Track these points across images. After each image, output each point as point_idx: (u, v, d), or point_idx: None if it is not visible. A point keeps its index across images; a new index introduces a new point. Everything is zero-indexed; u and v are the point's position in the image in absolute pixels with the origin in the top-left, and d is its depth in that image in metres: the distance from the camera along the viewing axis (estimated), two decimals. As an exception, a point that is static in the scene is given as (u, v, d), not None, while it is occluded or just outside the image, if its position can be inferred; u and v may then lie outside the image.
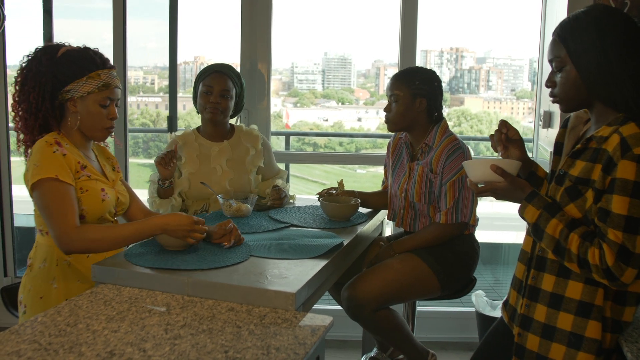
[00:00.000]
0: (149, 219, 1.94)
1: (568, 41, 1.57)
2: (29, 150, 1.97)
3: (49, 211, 1.85)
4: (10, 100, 3.59)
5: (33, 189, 1.88)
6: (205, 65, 2.81)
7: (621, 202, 1.44)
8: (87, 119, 2.01)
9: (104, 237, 1.86)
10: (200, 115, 2.78)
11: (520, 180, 1.64)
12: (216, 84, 2.67)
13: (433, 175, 2.44)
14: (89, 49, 2.03)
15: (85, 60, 1.98)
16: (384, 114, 2.55)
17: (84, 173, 1.97)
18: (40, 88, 1.95)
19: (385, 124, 2.56)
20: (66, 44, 2.04)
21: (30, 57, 2.00)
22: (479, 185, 1.68)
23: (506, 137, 1.77)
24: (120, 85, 2.07)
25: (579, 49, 1.55)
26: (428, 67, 2.57)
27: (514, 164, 1.66)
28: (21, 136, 2.04)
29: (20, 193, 3.68)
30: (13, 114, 2.05)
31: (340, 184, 2.65)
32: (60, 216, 1.84)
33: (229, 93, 2.70)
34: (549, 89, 1.67)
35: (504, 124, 1.78)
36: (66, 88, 1.97)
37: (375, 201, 2.74)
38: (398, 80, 2.49)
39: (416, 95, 2.45)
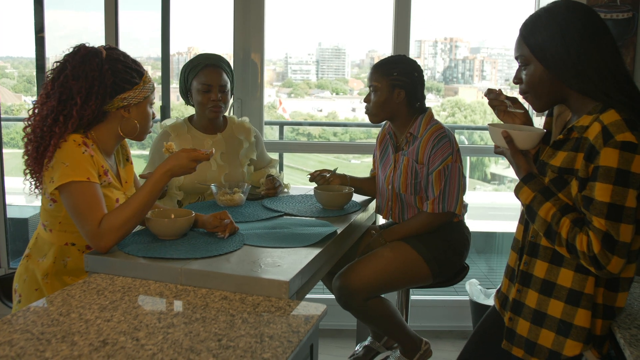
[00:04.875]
0: (152, 176, 1.90)
1: (530, 39, 1.60)
2: (55, 149, 1.87)
3: (78, 212, 1.82)
4: (2, 92, 3.57)
5: (61, 188, 1.83)
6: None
7: (604, 190, 1.44)
8: (144, 123, 2.00)
9: (127, 217, 1.82)
10: (195, 108, 2.71)
11: (520, 159, 1.64)
12: (214, 81, 2.60)
13: (419, 166, 2.43)
14: (116, 49, 1.98)
15: (134, 63, 1.96)
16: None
17: (105, 178, 1.95)
18: (104, 91, 1.91)
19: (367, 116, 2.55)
20: (95, 45, 1.97)
21: (86, 58, 1.90)
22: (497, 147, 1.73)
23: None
24: None
25: (542, 45, 1.58)
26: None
27: (527, 137, 1.64)
28: (36, 134, 1.94)
29: (12, 185, 3.68)
30: (52, 112, 1.91)
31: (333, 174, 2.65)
32: (89, 216, 1.81)
33: (226, 87, 2.65)
34: (517, 86, 1.71)
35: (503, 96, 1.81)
36: (122, 95, 1.93)
37: (365, 187, 2.75)
38: (377, 71, 2.48)
39: (394, 86, 2.44)
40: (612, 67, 1.53)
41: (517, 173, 1.66)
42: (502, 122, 1.80)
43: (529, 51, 1.60)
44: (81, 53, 1.92)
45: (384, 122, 2.63)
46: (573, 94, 1.59)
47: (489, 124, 1.75)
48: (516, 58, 1.67)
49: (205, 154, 1.94)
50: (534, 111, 3.49)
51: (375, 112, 2.49)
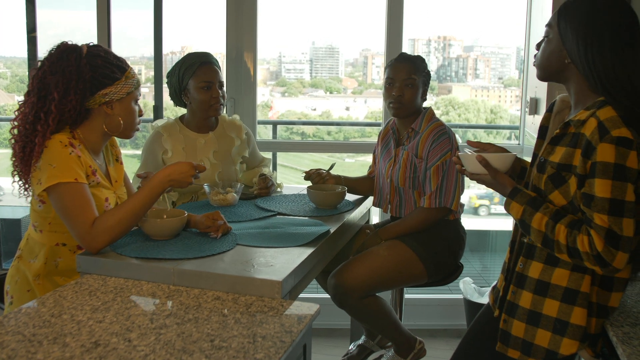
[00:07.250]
0: (151, 180, 1.90)
1: (561, 19, 1.61)
2: (41, 149, 1.86)
3: (67, 213, 1.81)
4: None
5: (49, 190, 1.82)
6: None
7: (603, 186, 1.44)
8: (128, 120, 1.98)
9: (121, 218, 1.82)
10: (191, 108, 2.68)
11: (503, 177, 1.67)
12: (213, 77, 2.61)
13: (418, 160, 2.45)
14: (99, 46, 1.96)
15: (116, 59, 1.94)
16: (382, 101, 2.57)
17: (94, 178, 1.94)
18: (82, 86, 1.88)
19: (393, 109, 2.51)
20: (79, 43, 1.95)
21: (64, 54, 1.89)
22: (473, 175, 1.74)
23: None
24: None
25: (566, 32, 1.58)
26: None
27: (501, 158, 1.68)
28: (18, 132, 1.93)
29: (5, 185, 3.66)
30: (32, 108, 1.89)
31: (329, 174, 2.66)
32: (79, 217, 1.80)
33: (223, 83, 2.68)
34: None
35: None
36: (103, 91, 1.91)
37: (360, 187, 2.75)
38: (415, 66, 2.49)
39: (425, 82, 2.52)
40: (622, 76, 1.53)
41: (503, 191, 1.67)
42: (471, 152, 1.78)
43: (557, 28, 1.61)
44: (60, 49, 1.91)
45: (388, 120, 2.67)
46: (579, 78, 1.60)
47: (459, 154, 1.77)
48: (546, 25, 1.68)
49: (203, 166, 1.97)
50: (526, 109, 3.50)
51: (410, 106, 2.49)
